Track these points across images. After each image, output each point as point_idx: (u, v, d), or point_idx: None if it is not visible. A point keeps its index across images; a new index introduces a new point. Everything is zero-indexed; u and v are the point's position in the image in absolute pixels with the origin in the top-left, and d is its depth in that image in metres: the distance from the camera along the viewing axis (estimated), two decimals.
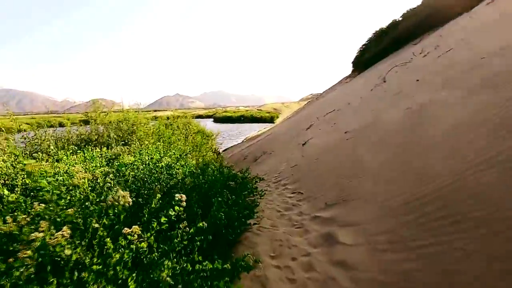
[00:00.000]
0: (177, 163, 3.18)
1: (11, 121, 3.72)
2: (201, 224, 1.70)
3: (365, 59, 18.86)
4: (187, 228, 1.63)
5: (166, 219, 1.59)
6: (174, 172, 2.84)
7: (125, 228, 1.40)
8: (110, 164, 3.02)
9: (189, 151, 8.77)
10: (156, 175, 2.66)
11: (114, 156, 3.37)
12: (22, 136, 4.05)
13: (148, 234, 1.50)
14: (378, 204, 2.45)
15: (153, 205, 1.71)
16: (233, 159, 13.54)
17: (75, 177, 1.68)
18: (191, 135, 9.67)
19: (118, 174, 2.62)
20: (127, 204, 1.45)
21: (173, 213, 1.61)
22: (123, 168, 2.66)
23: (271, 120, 35.86)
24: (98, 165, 2.97)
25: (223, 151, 18.54)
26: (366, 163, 3.35)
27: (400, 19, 19.81)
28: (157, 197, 1.73)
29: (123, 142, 5.30)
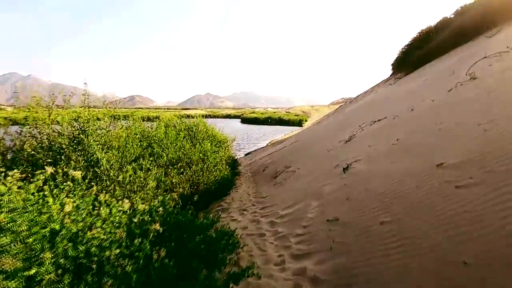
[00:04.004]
0: None
1: None
2: None
3: (414, 58, 15.35)
4: None
5: None
6: None
7: None
8: None
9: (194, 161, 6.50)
10: None
11: None
12: None
13: None
14: None
15: None
16: (252, 167, 11.15)
17: None
18: (197, 141, 7.41)
19: None
20: None
21: None
22: None
23: (299, 123, 32.93)
24: None
25: (246, 154, 16.25)
26: None
27: (452, 16, 16.05)
28: None
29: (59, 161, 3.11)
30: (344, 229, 2.50)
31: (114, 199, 2.30)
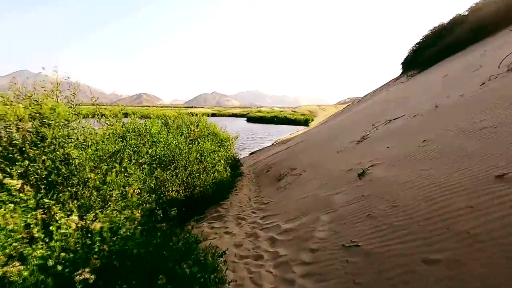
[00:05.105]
0: None
1: None
2: None
3: (428, 55, 14.41)
4: None
5: None
6: None
7: None
8: None
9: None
10: None
11: None
12: None
13: None
14: None
15: None
16: (256, 167, 10.48)
17: None
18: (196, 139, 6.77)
19: None
20: None
21: None
22: None
23: (305, 122, 32.10)
24: None
25: (250, 154, 15.61)
26: None
27: (466, 13, 15.05)
28: None
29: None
30: (368, 263, 1.80)
31: (64, 214, 1.67)
